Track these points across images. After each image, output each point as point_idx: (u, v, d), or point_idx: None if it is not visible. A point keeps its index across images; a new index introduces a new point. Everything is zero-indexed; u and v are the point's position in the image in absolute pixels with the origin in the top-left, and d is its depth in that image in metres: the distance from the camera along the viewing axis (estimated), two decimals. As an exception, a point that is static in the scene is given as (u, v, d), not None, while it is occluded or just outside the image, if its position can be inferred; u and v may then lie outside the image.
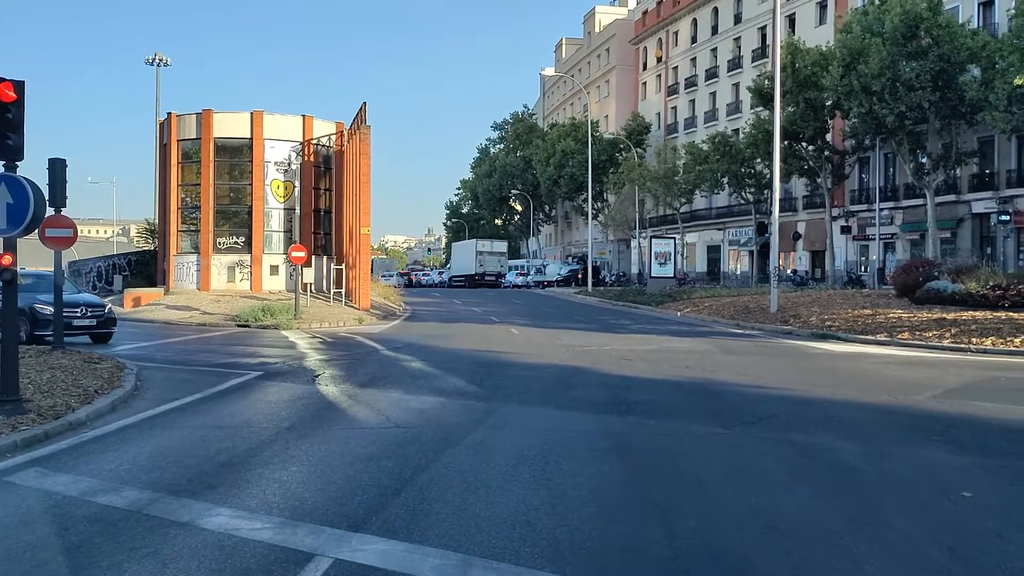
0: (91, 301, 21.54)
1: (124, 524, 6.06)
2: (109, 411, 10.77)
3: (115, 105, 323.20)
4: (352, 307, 34.24)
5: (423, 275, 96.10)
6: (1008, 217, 41.15)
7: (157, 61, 53.63)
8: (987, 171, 43.82)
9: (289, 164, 37.84)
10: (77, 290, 23.34)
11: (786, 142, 45.55)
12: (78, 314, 20.32)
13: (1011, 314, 21.50)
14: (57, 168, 16.24)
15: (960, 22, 40.32)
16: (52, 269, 18.64)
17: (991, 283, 23.44)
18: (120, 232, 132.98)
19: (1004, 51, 33.67)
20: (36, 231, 15.58)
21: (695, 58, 73.35)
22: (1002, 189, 42.61)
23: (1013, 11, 34.47)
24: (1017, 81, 27.11)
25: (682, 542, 5.72)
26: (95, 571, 5.13)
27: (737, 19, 67.56)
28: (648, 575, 5.11)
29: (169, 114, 39.74)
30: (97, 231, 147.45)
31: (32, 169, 72.20)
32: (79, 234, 17.32)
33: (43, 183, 15.59)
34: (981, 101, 36.09)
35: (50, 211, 15.86)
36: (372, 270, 41.51)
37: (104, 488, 7.02)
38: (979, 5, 44.82)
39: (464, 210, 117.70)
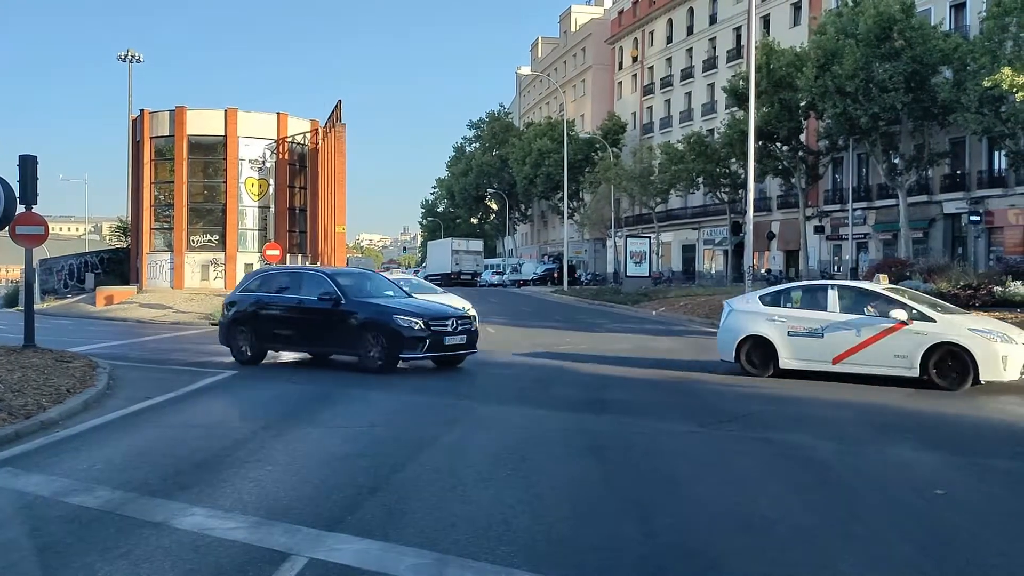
0: (459, 312, 16.18)
1: (97, 524, 6.00)
2: (82, 410, 10.66)
3: (87, 102, 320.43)
4: (327, 306, 34.06)
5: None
6: (979, 217, 41.58)
7: (129, 57, 53.10)
8: (959, 172, 44.25)
9: (264, 162, 37.65)
10: (412, 288, 18.01)
11: (761, 142, 45.73)
12: (449, 328, 14.96)
13: (982, 314, 21.71)
14: (28, 165, 16.07)
15: (933, 24, 40.68)
16: (349, 264, 16.27)
17: (962, 283, 23.69)
18: (92, 230, 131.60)
19: (976, 53, 33.99)
20: (6, 228, 15.49)
21: (671, 58, 73.56)
22: (973, 190, 43.05)
23: (984, 14, 34.84)
24: (988, 83, 27.33)
25: (658, 540, 5.74)
26: (67, 572, 5.08)
27: (712, 20, 67.82)
28: (624, 573, 5.11)
29: (142, 111, 39.43)
30: (69, 229, 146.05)
31: (2, 166, 71.27)
32: (50, 232, 17.13)
33: (13, 180, 15.43)
34: (953, 103, 36.44)
35: (21, 208, 15.70)
36: (347, 269, 41.33)
37: (77, 488, 6.94)
38: (951, 7, 45.25)
39: (440, 209, 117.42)
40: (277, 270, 19.57)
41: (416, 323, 14.50)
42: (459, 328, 15.11)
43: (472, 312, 18.31)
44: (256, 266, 37.33)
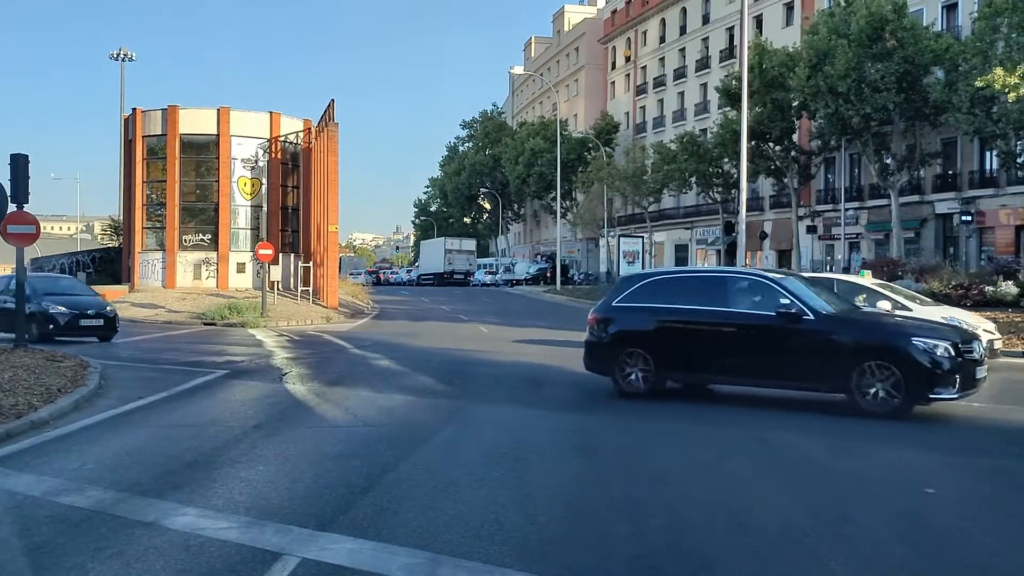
0: (971, 332, 11.96)
1: (88, 524, 5.96)
2: (72, 410, 10.61)
3: (79, 100, 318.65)
4: (320, 305, 34.05)
5: (391, 273, 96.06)
6: (970, 217, 41.70)
7: (122, 56, 52.98)
8: (950, 172, 44.37)
9: (256, 161, 37.51)
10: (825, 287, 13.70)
11: (753, 142, 45.77)
12: (976, 355, 10.59)
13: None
14: (19, 164, 16.01)
15: (924, 24, 40.80)
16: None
17: (954, 283, 23.80)
18: (84, 229, 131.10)
19: (967, 54, 34.10)
20: (-3, 227, 15.43)
21: (663, 58, 73.61)
22: (965, 190, 43.17)
23: (976, 14, 34.96)
24: (979, 83, 27.43)
25: (650, 540, 5.74)
26: (58, 572, 5.05)
27: (705, 19, 67.88)
28: (616, 573, 5.11)
29: (134, 110, 39.27)
30: (60, 228, 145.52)
31: (-7, 164, 71.06)
32: (42, 231, 17.05)
33: (5, 179, 15.39)
34: (945, 103, 36.54)
35: (12, 207, 15.64)
36: (340, 268, 41.30)
37: (68, 488, 6.91)
38: (943, 8, 45.36)
39: (433, 208, 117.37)
40: (674, 273, 14.09)
41: (945, 348, 10.21)
42: (983, 356, 10.83)
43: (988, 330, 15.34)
44: (248, 265, 37.24)
